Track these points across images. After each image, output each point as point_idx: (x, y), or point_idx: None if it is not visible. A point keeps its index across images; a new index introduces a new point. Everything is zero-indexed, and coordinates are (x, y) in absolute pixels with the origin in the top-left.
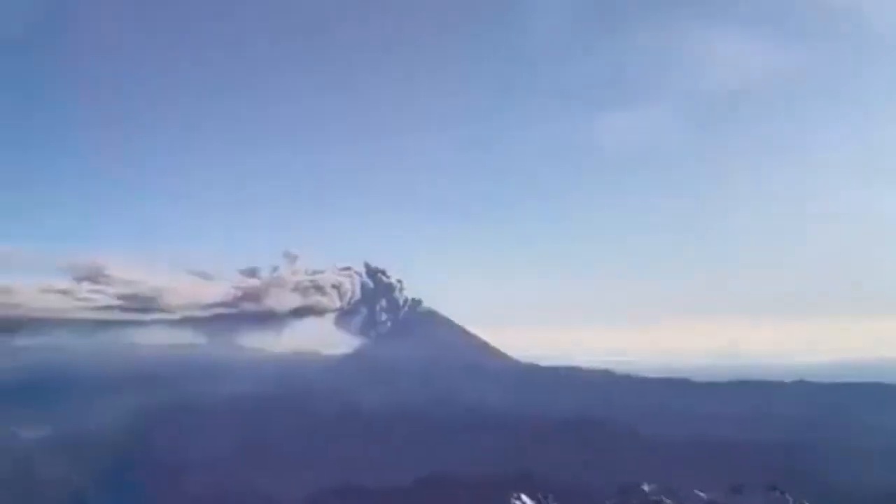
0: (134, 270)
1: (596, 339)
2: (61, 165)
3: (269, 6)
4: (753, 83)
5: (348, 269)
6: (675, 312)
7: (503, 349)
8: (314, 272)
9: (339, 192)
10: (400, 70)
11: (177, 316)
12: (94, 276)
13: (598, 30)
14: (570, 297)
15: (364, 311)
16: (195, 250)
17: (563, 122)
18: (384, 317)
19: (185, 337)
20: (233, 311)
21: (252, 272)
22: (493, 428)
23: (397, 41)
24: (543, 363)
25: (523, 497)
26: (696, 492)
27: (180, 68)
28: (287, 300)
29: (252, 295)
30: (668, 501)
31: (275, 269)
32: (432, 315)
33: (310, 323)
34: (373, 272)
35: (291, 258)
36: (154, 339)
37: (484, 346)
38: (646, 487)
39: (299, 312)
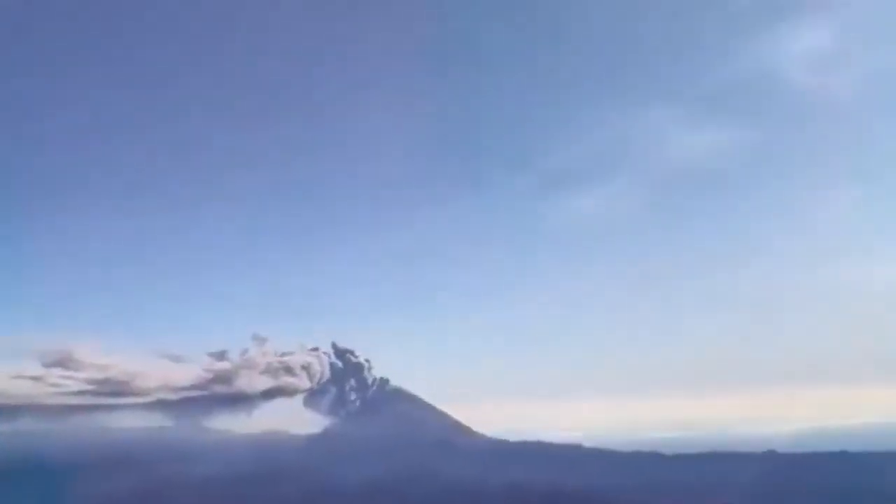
0: (105, 355)
1: (563, 414)
2: (29, 249)
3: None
4: (714, 159)
5: (316, 349)
6: (642, 386)
7: (471, 425)
8: (283, 353)
9: (307, 274)
10: (357, 148)
11: (148, 399)
12: (64, 362)
13: (552, 104)
14: (536, 372)
15: (333, 390)
16: (165, 334)
17: (521, 194)
18: (353, 396)
19: (157, 420)
20: (203, 393)
21: (221, 355)
22: (468, 502)
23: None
24: (512, 438)
25: None
26: None
27: (146, 146)
28: (257, 382)
29: (222, 377)
30: None
31: (244, 351)
32: (400, 393)
33: (280, 403)
34: (341, 352)
35: (261, 340)
36: (126, 422)
37: (452, 423)
38: None
39: (269, 393)
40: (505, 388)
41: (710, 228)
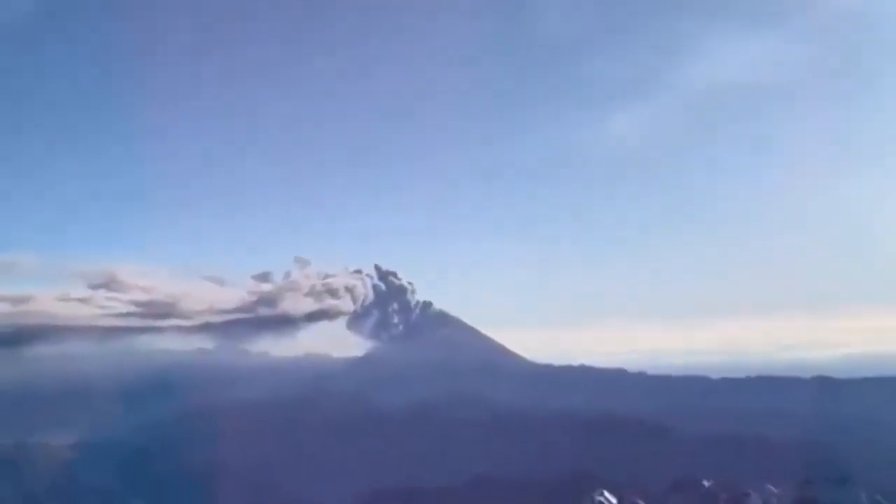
0: (148, 277)
1: (605, 338)
2: (74, 174)
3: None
4: (752, 79)
5: (359, 272)
6: (685, 310)
7: (515, 349)
8: (326, 276)
9: (350, 195)
10: (408, 73)
11: (193, 322)
12: (109, 284)
13: (597, 29)
14: (580, 296)
15: (376, 313)
16: (208, 256)
17: (570, 121)
18: (396, 319)
19: (202, 342)
20: (248, 315)
21: (265, 277)
22: (520, 428)
23: (405, 42)
24: (556, 363)
25: (606, 494)
26: (768, 486)
27: (192, 74)
28: (301, 304)
29: (267, 300)
30: (724, 496)
31: (287, 273)
32: (443, 316)
33: (323, 326)
34: (384, 275)
35: (303, 262)
36: (171, 345)
37: (496, 347)
38: (706, 483)
39: (313, 316)
40: (547, 313)
41: (754, 146)
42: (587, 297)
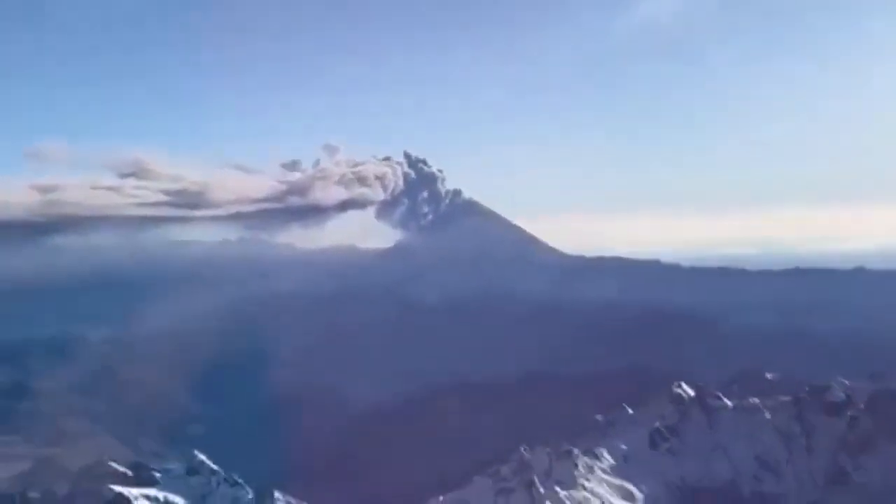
0: (177, 166)
1: (638, 228)
2: (100, 60)
3: None
4: None
5: (388, 159)
6: (719, 200)
7: (546, 240)
8: (356, 164)
9: (377, 81)
10: None
11: (224, 212)
12: (138, 173)
13: None
14: (612, 185)
15: (406, 202)
16: (237, 144)
17: (604, 6)
18: (426, 209)
19: (232, 232)
20: (278, 205)
21: (294, 165)
22: (563, 323)
23: None
24: (588, 254)
25: (683, 385)
26: (840, 379)
27: None
28: (332, 193)
29: (297, 188)
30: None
31: (316, 161)
32: (473, 206)
33: (353, 216)
34: (414, 162)
35: (332, 150)
36: (202, 235)
37: (527, 238)
38: (769, 376)
39: (343, 206)
40: (578, 201)
41: (787, 39)
42: (619, 186)
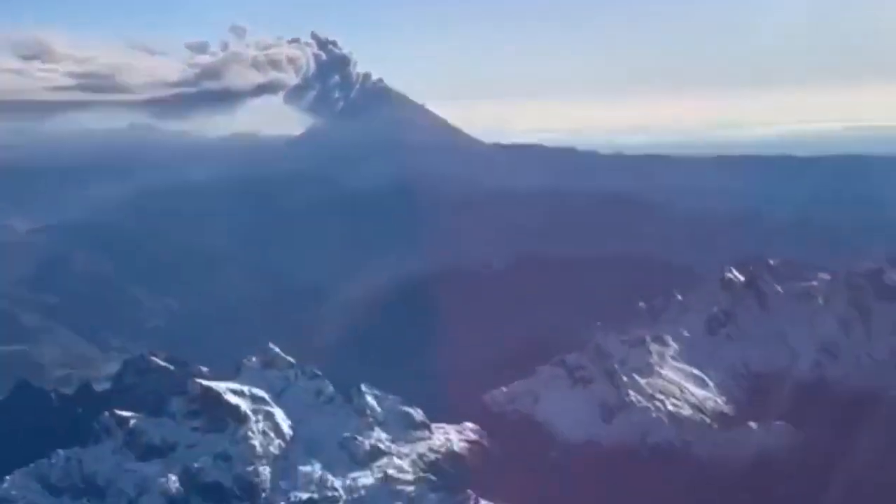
0: (82, 48)
1: (552, 115)
2: None
3: None
4: None
5: (297, 40)
6: (633, 85)
7: (463, 127)
8: (268, 45)
9: None
10: None
11: (136, 97)
12: (41, 55)
13: None
14: (523, 69)
15: (317, 87)
16: (140, 26)
17: None
18: (337, 94)
19: (145, 118)
20: (192, 90)
21: (201, 47)
22: (518, 209)
23: None
24: (505, 142)
25: (734, 270)
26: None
27: None
28: (246, 77)
29: (210, 73)
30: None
31: (225, 44)
32: (386, 91)
33: (265, 101)
34: (323, 44)
35: (240, 31)
36: (112, 122)
37: (441, 124)
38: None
39: (256, 91)
40: (490, 86)
41: None
42: (530, 71)
